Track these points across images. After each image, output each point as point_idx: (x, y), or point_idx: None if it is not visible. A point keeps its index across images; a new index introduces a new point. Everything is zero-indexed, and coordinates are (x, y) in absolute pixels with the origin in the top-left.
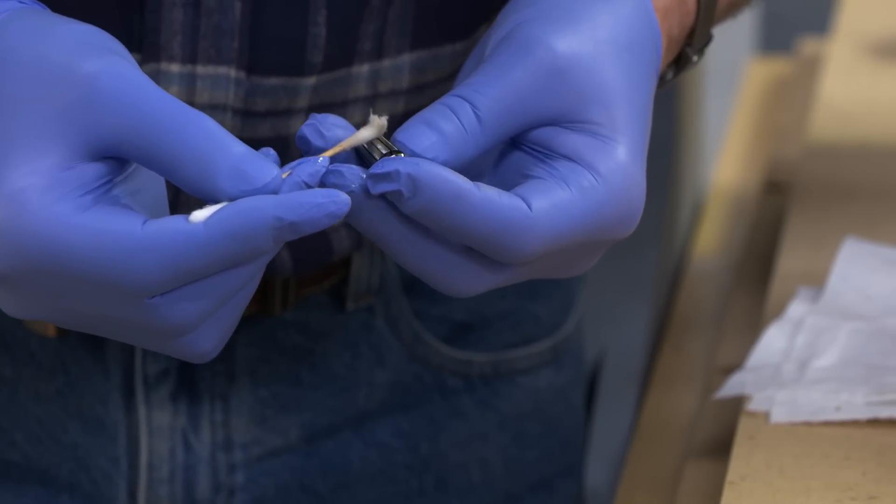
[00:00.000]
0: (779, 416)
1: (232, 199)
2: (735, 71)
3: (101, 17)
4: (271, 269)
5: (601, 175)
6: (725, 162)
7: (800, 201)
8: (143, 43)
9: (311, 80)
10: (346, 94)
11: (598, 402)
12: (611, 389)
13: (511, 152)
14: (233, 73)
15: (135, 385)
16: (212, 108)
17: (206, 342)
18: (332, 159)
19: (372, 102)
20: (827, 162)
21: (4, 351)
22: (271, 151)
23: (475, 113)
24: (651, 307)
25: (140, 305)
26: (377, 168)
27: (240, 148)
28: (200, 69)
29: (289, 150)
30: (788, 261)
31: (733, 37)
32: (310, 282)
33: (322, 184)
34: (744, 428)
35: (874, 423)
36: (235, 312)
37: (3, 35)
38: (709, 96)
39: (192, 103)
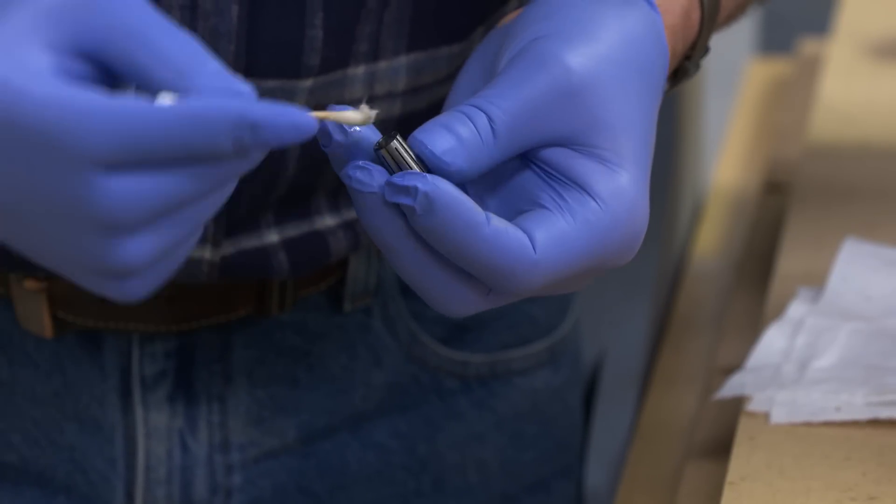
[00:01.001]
0: (779, 416)
1: None
2: (735, 71)
3: None
4: (269, 271)
5: (606, 203)
6: (725, 162)
7: (800, 201)
8: None
9: (307, 83)
10: (343, 96)
11: (598, 403)
12: (611, 390)
13: (521, 171)
14: None
15: (132, 386)
16: None
17: (143, 287)
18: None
19: (368, 105)
20: (827, 162)
21: (1, 352)
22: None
23: (490, 124)
24: (651, 307)
25: (83, 181)
26: (398, 179)
27: (215, 65)
28: None
29: (285, 151)
30: (788, 261)
31: (733, 37)
32: (307, 283)
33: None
34: (744, 428)
35: (874, 423)
36: (177, 262)
37: None
38: (709, 96)
39: None
